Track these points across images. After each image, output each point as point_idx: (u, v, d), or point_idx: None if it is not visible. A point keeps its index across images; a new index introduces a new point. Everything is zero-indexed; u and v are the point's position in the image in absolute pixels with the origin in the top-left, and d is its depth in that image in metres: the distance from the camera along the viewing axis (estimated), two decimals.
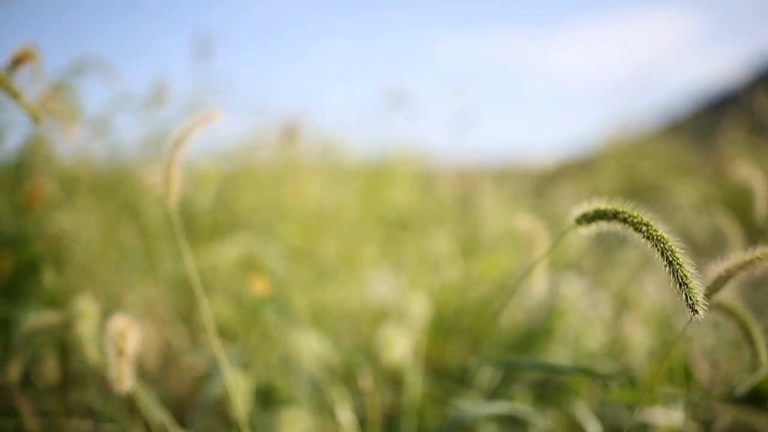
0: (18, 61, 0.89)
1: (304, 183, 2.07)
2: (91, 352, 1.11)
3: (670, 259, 0.67)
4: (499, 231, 2.07)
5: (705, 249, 2.24)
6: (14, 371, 1.11)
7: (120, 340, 0.84)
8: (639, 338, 1.53)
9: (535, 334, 1.71)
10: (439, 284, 1.78)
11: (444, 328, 1.71)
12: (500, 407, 1.14)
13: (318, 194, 2.09)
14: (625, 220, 0.71)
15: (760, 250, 0.80)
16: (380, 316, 1.67)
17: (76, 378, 1.52)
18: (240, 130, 2.18)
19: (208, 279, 1.55)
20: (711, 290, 0.82)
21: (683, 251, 0.68)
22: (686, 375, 1.47)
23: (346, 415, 1.17)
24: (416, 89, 2.61)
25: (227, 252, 1.31)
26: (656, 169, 4.13)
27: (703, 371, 1.45)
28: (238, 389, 1.15)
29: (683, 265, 0.68)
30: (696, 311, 0.66)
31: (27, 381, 1.43)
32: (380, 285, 1.84)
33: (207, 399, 1.21)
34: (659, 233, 0.69)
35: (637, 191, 3.48)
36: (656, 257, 0.69)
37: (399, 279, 1.92)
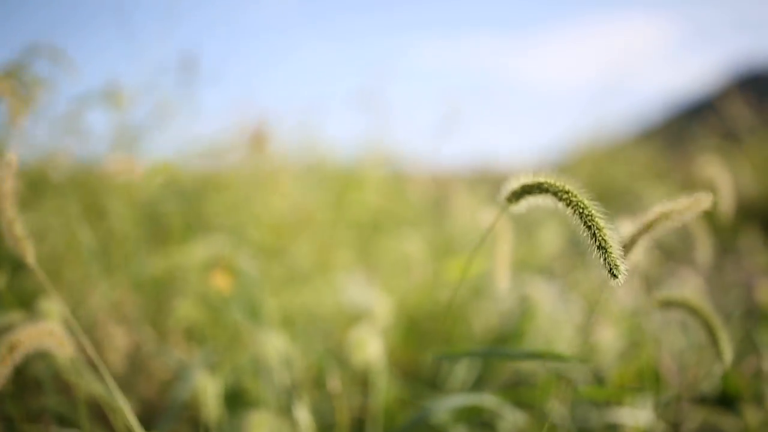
0: None
1: (278, 184, 2.05)
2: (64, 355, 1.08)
3: (589, 224, 0.68)
4: (471, 233, 2.07)
5: (676, 253, 2.26)
6: None
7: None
8: (609, 340, 1.53)
9: (507, 337, 1.72)
10: (411, 286, 1.77)
11: (415, 331, 1.71)
12: (465, 399, 1.13)
13: (292, 196, 2.08)
14: (547, 191, 0.72)
15: (674, 203, 0.82)
16: (352, 319, 1.66)
17: (35, 383, 1.49)
18: (214, 129, 2.16)
19: (177, 280, 1.53)
20: (627, 247, 0.83)
21: (604, 218, 0.69)
22: (655, 376, 1.48)
23: (305, 417, 1.16)
24: (393, 93, 2.61)
25: (196, 252, 1.29)
26: (629, 173, 4.18)
27: (671, 373, 1.46)
28: (206, 392, 1.14)
29: (603, 229, 0.68)
30: (615, 276, 0.67)
31: None
32: (352, 288, 1.83)
33: (175, 402, 1.19)
34: (580, 199, 0.70)
35: (609, 195, 3.51)
36: (577, 224, 0.69)
37: (371, 282, 1.91)
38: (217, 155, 2.05)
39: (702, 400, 1.40)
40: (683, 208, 0.83)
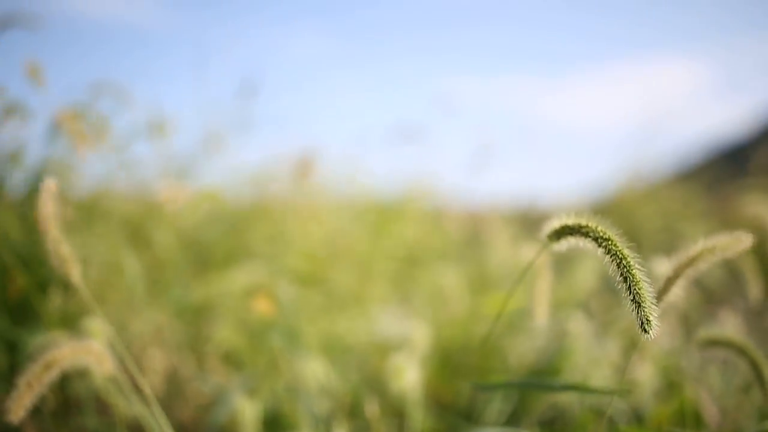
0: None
1: (319, 215, 2.08)
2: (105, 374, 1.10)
3: (626, 275, 0.68)
4: (508, 269, 2.07)
5: (717, 295, 2.22)
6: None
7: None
8: (646, 379, 1.51)
9: (543, 373, 1.70)
10: (447, 319, 1.78)
11: (451, 364, 1.71)
12: (503, 430, 1.13)
13: (331, 226, 2.10)
14: (588, 235, 0.73)
15: (713, 240, 0.81)
16: (388, 349, 1.67)
17: (76, 403, 1.52)
18: (258, 159, 2.21)
19: (217, 306, 1.55)
20: (666, 286, 0.82)
21: (642, 270, 0.69)
22: (695, 417, 1.45)
23: None
24: (431, 130, 2.64)
25: (236, 279, 1.32)
26: (667, 213, 4.14)
27: (711, 415, 1.44)
28: (244, 415, 1.15)
29: (639, 282, 0.68)
30: (646, 331, 0.66)
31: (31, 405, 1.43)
32: (388, 319, 1.84)
33: (213, 425, 1.20)
34: (619, 248, 0.70)
35: (647, 234, 3.48)
36: (613, 272, 0.69)
37: (407, 314, 1.91)
38: (262, 184, 2.09)
39: None
40: (723, 245, 0.83)
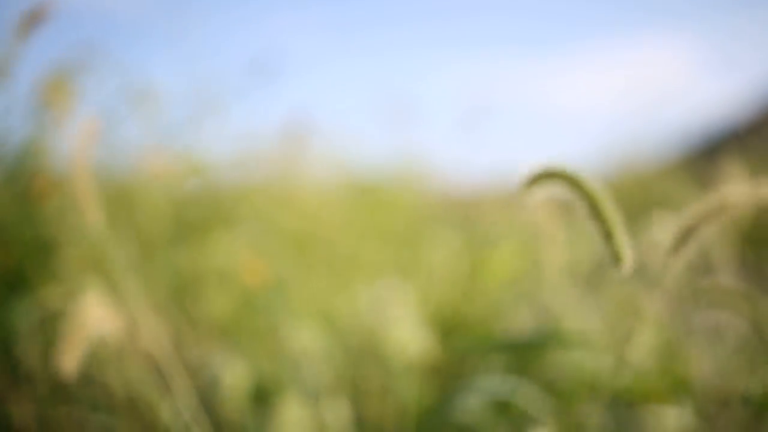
0: (34, 17, 0.89)
1: (312, 189, 2.06)
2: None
3: (598, 211, 0.68)
4: (506, 231, 2.05)
5: (710, 268, 2.22)
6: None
7: (80, 317, 0.81)
8: (644, 345, 1.50)
9: (541, 342, 1.69)
10: (446, 288, 1.76)
11: (448, 331, 1.69)
12: (496, 386, 1.12)
13: (326, 201, 2.08)
14: (561, 178, 0.72)
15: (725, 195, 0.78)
16: (383, 321, 1.66)
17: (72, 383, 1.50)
18: (248, 133, 2.18)
19: (205, 274, 1.53)
20: (678, 244, 0.79)
21: (615, 209, 0.69)
22: (692, 382, 1.45)
23: (341, 410, 1.15)
24: (423, 104, 2.61)
25: (228, 243, 1.29)
26: (661, 188, 4.15)
27: (709, 380, 1.43)
28: (236, 381, 1.14)
29: (611, 217, 0.68)
30: (619, 264, 0.67)
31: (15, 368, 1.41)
32: (383, 291, 1.82)
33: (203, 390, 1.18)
34: (591, 187, 0.70)
35: (642, 207, 3.48)
36: (584, 211, 0.69)
37: (404, 286, 1.90)
38: (252, 156, 2.07)
39: (743, 406, 1.37)
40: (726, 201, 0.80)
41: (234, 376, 1.13)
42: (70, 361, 0.79)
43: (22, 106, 1.48)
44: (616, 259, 0.67)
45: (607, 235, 0.68)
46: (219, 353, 1.40)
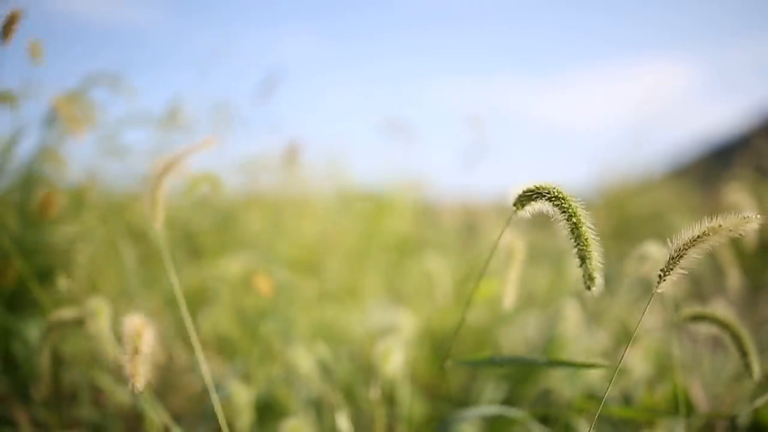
0: (10, 23, 0.92)
1: (309, 206, 2.08)
2: (108, 348, 1.10)
3: (575, 231, 0.70)
4: (498, 256, 2.07)
5: (706, 287, 2.24)
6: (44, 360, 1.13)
7: (136, 338, 0.85)
8: (636, 364, 1.53)
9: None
10: (437, 308, 1.78)
11: (441, 353, 1.71)
12: (489, 410, 1.14)
13: (322, 217, 2.11)
14: (544, 196, 0.74)
15: (707, 226, 0.80)
16: (378, 337, 1.68)
17: (69, 392, 1.52)
18: (250, 152, 2.21)
19: (210, 293, 1.55)
20: (666, 270, 0.81)
21: (593, 232, 0.71)
22: (685, 401, 1.47)
23: (344, 423, 1.17)
24: (420, 123, 2.64)
25: (230, 266, 1.32)
26: (658, 206, 4.18)
27: (701, 399, 1.45)
28: (239, 401, 1.16)
29: (587, 239, 0.70)
30: (589, 287, 0.69)
31: (24, 393, 1.43)
32: (378, 308, 1.84)
33: (209, 410, 1.21)
34: (572, 207, 0.72)
35: (637, 226, 3.51)
36: (565, 231, 0.71)
37: (396, 303, 1.92)
38: (254, 174, 2.10)
39: (734, 429, 1.39)
40: (730, 225, 0.82)
41: (242, 393, 1.15)
42: (140, 379, 0.83)
43: (37, 122, 1.52)
44: (587, 281, 0.69)
45: (582, 259, 0.70)
46: (227, 370, 1.43)
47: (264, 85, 1.81)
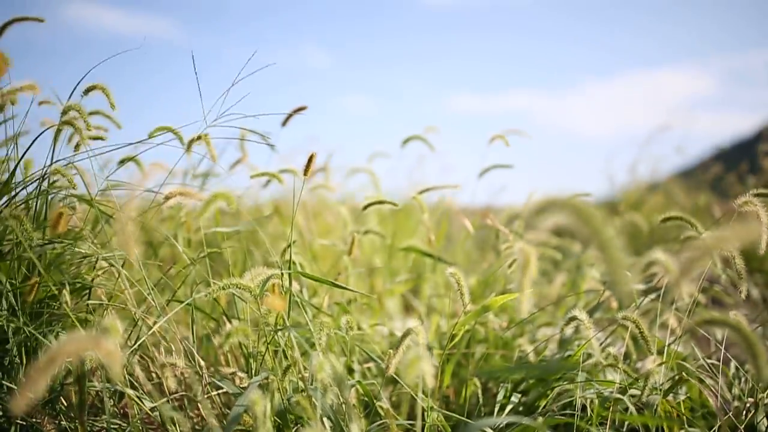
0: None
1: (333, 220, 2.10)
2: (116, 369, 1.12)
3: (605, 247, 0.71)
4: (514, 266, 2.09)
5: (721, 295, 2.24)
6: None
7: None
8: (653, 372, 1.53)
9: (552, 368, 1.72)
10: (456, 319, 1.80)
11: (460, 363, 1.73)
12: (507, 419, 1.15)
13: (342, 229, 2.12)
14: (563, 207, 0.75)
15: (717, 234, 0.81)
16: (398, 347, 1.69)
17: (95, 402, 1.55)
18: (270, 166, 2.23)
19: (231, 305, 1.57)
20: (678, 279, 0.82)
21: (620, 246, 0.72)
22: (702, 409, 1.47)
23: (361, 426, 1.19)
24: (441, 134, 2.63)
25: (251, 280, 1.34)
26: (674, 208, 4.20)
27: (718, 407, 1.46)
28: (259, 411, 1.17)
29: (616, 255, 0.71)
30: (621, 300, 0.70)
31: (50, 403, 1.46)
32: (399, 319, 1.86)
33: (233, 418, 1.22)
34: (599, 223, 0.73)
35: (652, 230, 3.51)
36: (594, 246, 0.72)
37: (416, 314, 1.93)
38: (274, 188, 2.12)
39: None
40: (727, 238, 0.83)
41: (262, 403, 1.16)
42: (22, 399, 0.83)
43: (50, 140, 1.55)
44: (619, 292, 0.70)
45: (614, 271, 0.71)
46: (248, 380, 1.44)
47: (289, 114, 1.83)
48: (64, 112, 1.50)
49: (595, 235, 0.73)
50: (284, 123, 1.81)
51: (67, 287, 1.43)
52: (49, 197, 1.58)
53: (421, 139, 2.27)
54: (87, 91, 1.53)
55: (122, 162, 1.73)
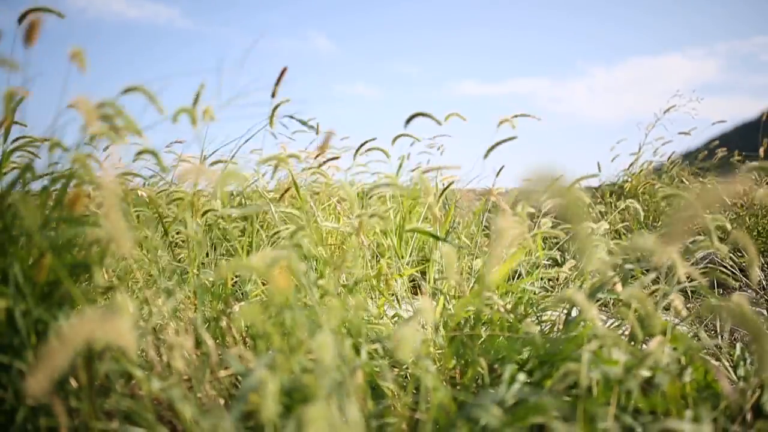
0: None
1: (337, 199, 2.11)
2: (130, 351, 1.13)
3: (599, 225, 0.71)
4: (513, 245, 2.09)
5: (728, 279, 2.24)
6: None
7: None
8: (659, 353, 1.54)
9: (557, 351, 1.72)
10: (458, 300, 1.80)
11: (464, 342, 1.73)
12: (511, 394, 1.16)
13: (349, 211, 2.13)
14: (552, 188, 0.75)
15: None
16: (401, 325, 1.70)
17: (105, 382, 1.56)
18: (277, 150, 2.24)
19: (238, 286, 1.58)
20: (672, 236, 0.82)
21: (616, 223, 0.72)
22: (710, 390, 1.48)
23: (353, 411, 1.20)
24: (443, 123, 2.63)
25: (257, 261, 1.34)
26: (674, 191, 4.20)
27: (726, 388, 1.46)
28: (267, 389, 1.18)
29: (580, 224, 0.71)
30: (619, 275, 0.70)
31: (60, 384, 1.48)
32: (404, 301, 1.86)
33: (242, 395, 1.24)
34: (585, 202, 0.73)
35: (658, 209, 3.51)
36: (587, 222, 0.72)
37: (422, 294, 1.94)
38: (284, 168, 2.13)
39: (761, 416, 1.40)
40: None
41: (269, 382, 1.17)
42: (37, 380, 0.83)
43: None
44: (616, 268, 0.71)
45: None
46: (256, 359, 1.46)
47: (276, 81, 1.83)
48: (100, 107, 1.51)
49: (570, 209, 0.73)
50: (273, 94, 1.79)
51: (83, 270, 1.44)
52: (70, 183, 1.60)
53: (426, 116, 2.27)
54: (126, 91, 1.53)
55: (139, 154, 1.73)
